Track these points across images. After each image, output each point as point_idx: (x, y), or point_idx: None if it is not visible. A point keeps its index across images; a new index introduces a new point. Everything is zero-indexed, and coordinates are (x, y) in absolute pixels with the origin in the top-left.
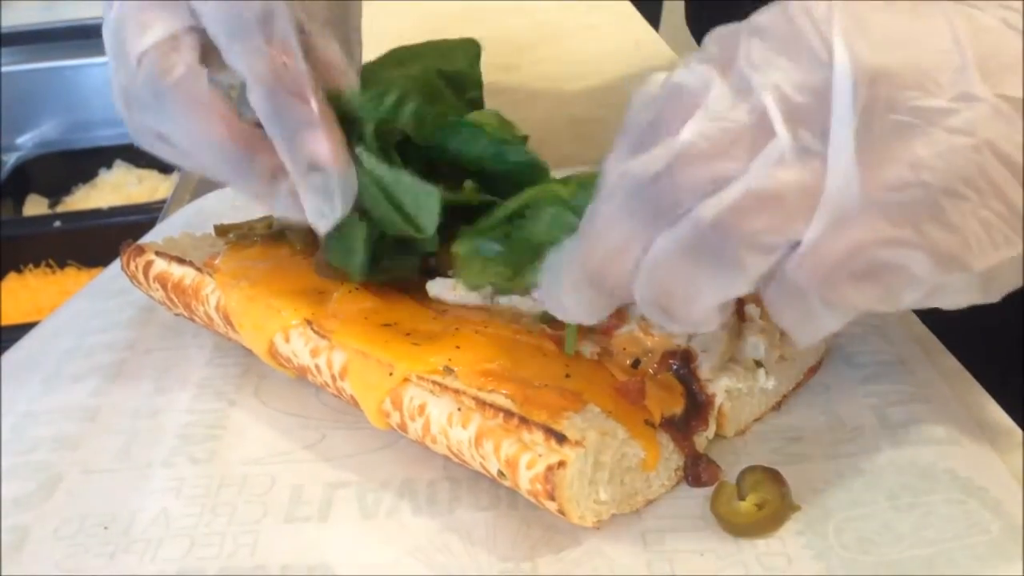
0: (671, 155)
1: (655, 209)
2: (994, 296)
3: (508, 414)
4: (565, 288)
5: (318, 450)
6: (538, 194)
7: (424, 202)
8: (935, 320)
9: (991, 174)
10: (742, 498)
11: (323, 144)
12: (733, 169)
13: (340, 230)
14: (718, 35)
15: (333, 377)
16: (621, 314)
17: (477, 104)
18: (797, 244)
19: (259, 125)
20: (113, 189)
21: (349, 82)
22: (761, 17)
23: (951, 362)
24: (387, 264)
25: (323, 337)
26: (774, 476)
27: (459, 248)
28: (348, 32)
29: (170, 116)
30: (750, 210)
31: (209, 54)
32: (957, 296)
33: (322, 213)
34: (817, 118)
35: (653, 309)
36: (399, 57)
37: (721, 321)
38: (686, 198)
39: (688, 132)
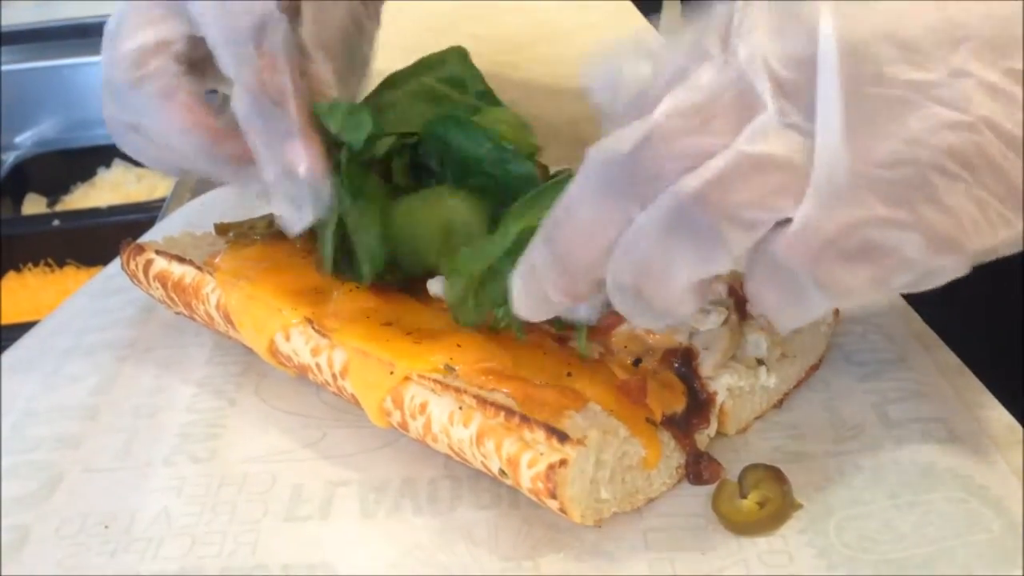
0: (649, 127)
1: (631, 184)
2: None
3: (509, 412)
4: (519, 273)
5: (319, 449)
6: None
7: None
8: (936, 317)
9: (989, 152)
10: (744, 496)
11: (300, 154)
12: (715, 144)
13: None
14: (711, 9)
15: (334, 376)
16: (618, 318)
17: (486, 96)
18: (782, 223)
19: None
20: (112, 188)
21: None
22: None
23: (951, 359)
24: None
25: (324, 336)
26: (776, 474)
27: (447, 294)
28: (354, 59)
29: (142, 105)
30: (734, 183)
31: (201, 64)
32: (949, 276)
33: (292, 218)
34: (804, 93)
35: (625, 294)
36: (391, 82)
37: (696, 306)
38: (666, 171)
39: (667, 105)
